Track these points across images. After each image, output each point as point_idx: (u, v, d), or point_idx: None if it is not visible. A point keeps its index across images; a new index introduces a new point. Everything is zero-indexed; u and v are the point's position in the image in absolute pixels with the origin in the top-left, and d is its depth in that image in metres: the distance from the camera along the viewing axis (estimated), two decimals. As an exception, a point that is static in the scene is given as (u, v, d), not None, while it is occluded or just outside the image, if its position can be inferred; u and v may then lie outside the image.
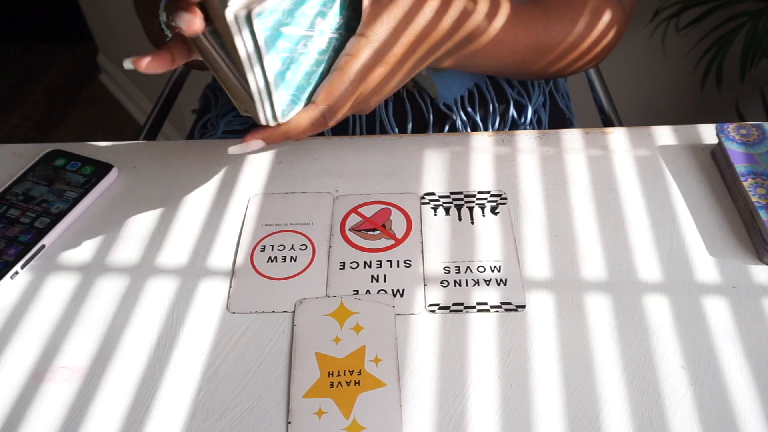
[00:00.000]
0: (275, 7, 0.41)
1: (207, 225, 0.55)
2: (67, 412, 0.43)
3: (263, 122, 0.45)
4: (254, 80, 0.42)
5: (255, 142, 0.46)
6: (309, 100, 0.46)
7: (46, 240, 0.53)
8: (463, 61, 0.55)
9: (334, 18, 0.45)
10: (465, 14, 0.50)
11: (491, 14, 0.52)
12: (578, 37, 0.58)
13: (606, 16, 0.58)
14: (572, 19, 0.57)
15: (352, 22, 0.47)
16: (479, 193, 0.56)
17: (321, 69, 0.46)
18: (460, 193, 0.56)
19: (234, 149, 0.47)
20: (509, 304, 0.48)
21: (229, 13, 0.39)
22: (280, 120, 0.45)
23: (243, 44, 0.41)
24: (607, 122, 0.81)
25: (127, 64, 0.44)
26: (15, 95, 2.15)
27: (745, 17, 1.10)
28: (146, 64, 0.43)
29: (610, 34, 0.60)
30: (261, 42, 0.41)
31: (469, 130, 0.69)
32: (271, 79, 0.43)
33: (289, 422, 0.42)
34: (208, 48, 0.44)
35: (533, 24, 0.55)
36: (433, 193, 0.56)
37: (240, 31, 0.40)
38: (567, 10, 0.57)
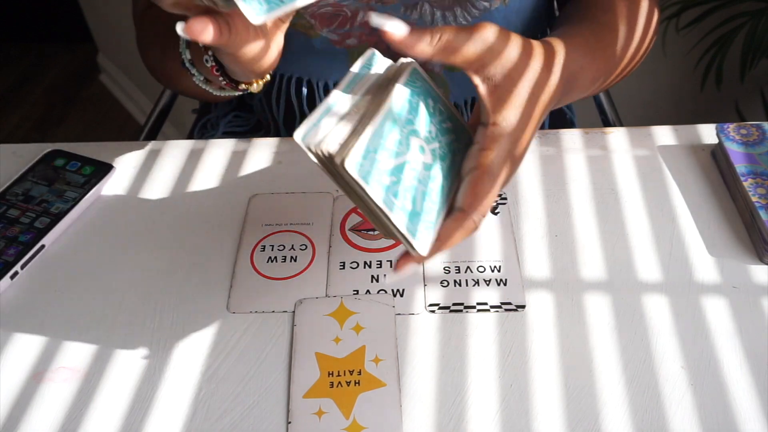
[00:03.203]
0: (366, 145, 0.37)
1: (207, 225, 0.55)
2: (67, 412, 0.43)
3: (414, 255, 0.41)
4: (388, 223, 0.39)
5: (411, 266, 0.41)
6: (442, 211, 0.42)
7: (46, 240, 0.53)
8: (560, 104, 0.51)
9: (425, 129, 0.41)
10: (567, 65, 0.47)
11: (580, 55, 0.49)
12: (635, 37, 0.55)
13: (644, 3, 0.56)
14: (626, 21, 0.54)
15: (443, 124, 0.43)
16: (479, 193, 0.56)
17: (438, 183, 0.42)
18: (460, 193, 0.56)
19: (390, 280, 0.45)
20: (509, 304, 0.48)
21: (350, 166, 0.36)
22: (420, 252, 0.40)
23: (365, 195, 0.37)
24: (607, 122, 0.81)
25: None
26: (15, 95, 2.15)
27: (745, 17, 1.10)
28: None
29: (654, 17, 0.58)
30: (380, 200, 0.37)
31: None
32: (403, 226, 0.39)
33: (289, 422, 0.42)
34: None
35: (609, 48, 0.52)
36: (433, 193, 0.56)
37: (358, 183, 0.36)
38: (620, 20, 0.55)
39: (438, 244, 0.41)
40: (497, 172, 0.41)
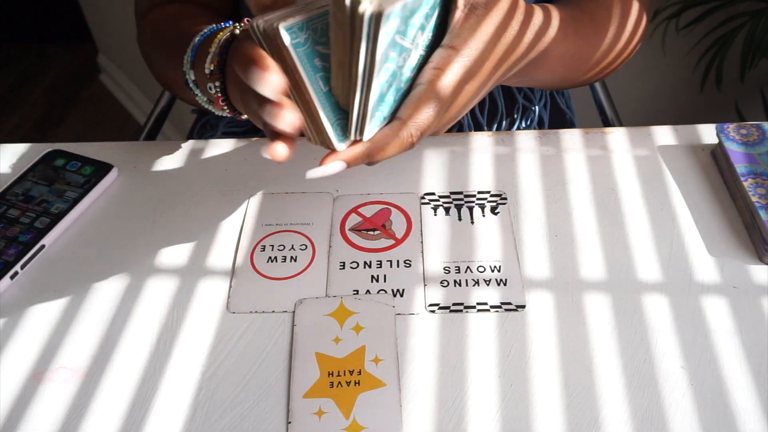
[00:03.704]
0: (399, 11, 0.36)
1: (207, 225, 0.55)
2: (67, 412, 0.43)
3: (346, 137, 0.40)
4: (359, 94, 0.37)
5: (336, 164, 0.40)
6: (390, 114, 0.41)
7: (46, 240, 0.53)
8: (524, 77, 0.51)
9: (428, 33, 0.41)
10: (541, 30, 0.47)
11: (557, 29, 0.48)
12: (620, 35, 0.55)
13: (635, 5, 0.56)
14: (613, 17, 0.55)
15: (435, 40, 0.42)
16: (479, 193, 0.56)
17: (407, 86, 0.41)
18: (460, 193, 0.56)
19: (312, 173, 0.41)
20: (509, 304, 0.48)
21: (365, 10, 0.34)
22: (364, 137, 0.40)
23: (364, 49, 0.36)
24: (607, 122, 0.81)
25: (265, 154, 0.39)
26: (15, 95, 2.15)
27: (745, 17, 1.10)
28: (283, 153, 0.39)
29: (643, 22, 0.58)
30: (381, 49, 0.36)
31: (474, 131, 0.69)
32: (375, 93, 0.37)
33: (289, 422, 0.42)
34: (285, 56, 0.37)
35: (584, 31, 0.52)
36: (433, 193, 0.56)
37: (366, 34, 0.35)
38: (605, 12, 0.55)
39: (370, 150, 0.40)
40: (443, 95, 0.40)
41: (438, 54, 0.41)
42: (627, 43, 0.56)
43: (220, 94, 0.47)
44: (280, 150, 0.39)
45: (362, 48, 0.36)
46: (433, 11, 0.40)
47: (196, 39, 0.49)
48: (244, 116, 0.49)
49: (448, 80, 0.40)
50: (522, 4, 0.44)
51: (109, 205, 0.57)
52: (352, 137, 0.40)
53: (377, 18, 0.35)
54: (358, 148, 0.40)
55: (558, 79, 0.54)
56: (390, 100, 0.40)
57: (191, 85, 0.50)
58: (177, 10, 0.60)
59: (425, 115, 0.40)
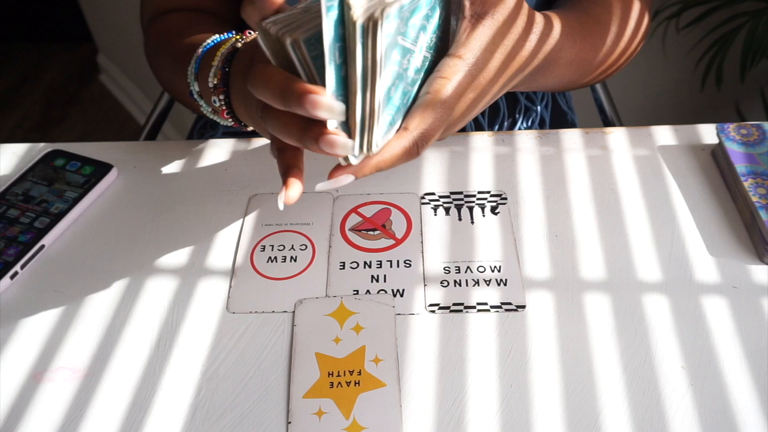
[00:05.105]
0: (397, 12, 0.34)
1: (207, 225, 0.55)
2: (67, 412, 0.43)
3: (354, 152, 0.38)
4: (363, 101, 0.36)
5: (345, 177, 0.40)
6: (399, 119, 0.40)
7: (46, 240, 0.53)
8: (532, 84, 0.51)
9: (431, 35, 0.40)
10: (547, 38, 0.47)
11: (564, 36, 0.49)
12: (624, 36, 0.55)
13: (636, 5, 0.57)
14: (617, 19, 0.55)
15: (440, 42, 0.42)
16: (479, 193, 0.56)
17: (414, 90, 0.40)
18: (460, 193, 0.56)
19: (322, 186, 0.41)
20: (509, 304, 0.48)
21: (358, 17, 0.33)
22: (373, 150, 0.38)
23: (362, 57, 0.34)
24: (607, 122, 0.81)
25: (281, 204, 0.40)
26: (15, 95, 2.15)
27: (745, 17, 1.10)
28: (297, 195, 0.41)
29: (644, 21, 0.58)
30: (381, 52, 0.34)
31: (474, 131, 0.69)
32: (380, 98, 0.36)
33: (289, 422, 0.42)
34: (290, 58, 0.36)
35: (591, 37, 0.53)
36: (433, 193, 0.56)
37: (363, 40, 0.33)
38: (609, 15, 0.55)
39: (378, 162, 0.40)
40: (449, 103, 0.41)
41: (444, 63, 0.41)
42: (630, 44, 0.56)
43: (224, 107, 0.48)
44: (293, 194, 0.41)
45: (358, 55, 0.34)
46: (432, 12, 0.40)
47: (199, 51, 0.50)
48: (250, 128, 0.49)
49: (453, 89, 0.41)
50: (529, 13, 0.44)
51: (109, 205, 0.57)
52: (365, 152, 0.39)
53: (374, 25, 0.33)
54: (367, 161, 0.40)
55: (566, 82, 0.55)
56: (398, 103, 0.39)
57: (196, 96, 0.50)
58: (180, 19, 0.60)
59: (431, 124, 0.40)
